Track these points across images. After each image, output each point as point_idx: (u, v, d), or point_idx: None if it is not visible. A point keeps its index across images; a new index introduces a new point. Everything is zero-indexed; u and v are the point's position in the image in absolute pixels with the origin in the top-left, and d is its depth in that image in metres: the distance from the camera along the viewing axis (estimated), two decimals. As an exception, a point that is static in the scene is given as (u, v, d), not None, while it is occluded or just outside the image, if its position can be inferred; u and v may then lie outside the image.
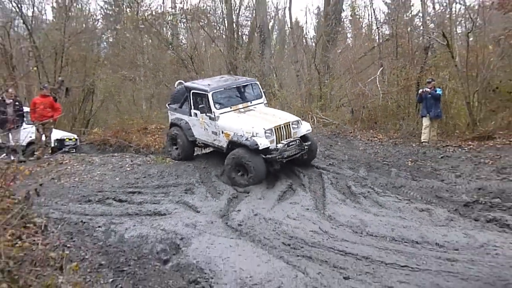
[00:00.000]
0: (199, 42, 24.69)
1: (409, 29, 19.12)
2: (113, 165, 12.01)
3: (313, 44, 21.63)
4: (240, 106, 11.28)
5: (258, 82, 12.07)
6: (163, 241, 6.93)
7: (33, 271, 3.81)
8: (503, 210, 7.73)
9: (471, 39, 14.22)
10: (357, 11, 26.92)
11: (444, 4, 19.13)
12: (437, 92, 12.69)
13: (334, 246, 6.76)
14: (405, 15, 22.98)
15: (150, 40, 25.02)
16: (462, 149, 10.92)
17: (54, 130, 13.68)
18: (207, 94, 10.82)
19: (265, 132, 9.99)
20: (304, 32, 29.21)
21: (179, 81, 13.52)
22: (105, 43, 27.71)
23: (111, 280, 5.28)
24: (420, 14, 21.15)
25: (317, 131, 15.16)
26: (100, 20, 29.09)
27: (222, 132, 10.75)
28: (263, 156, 9.99)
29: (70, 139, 16.18)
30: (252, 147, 9.82)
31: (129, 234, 7.24)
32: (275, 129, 10.17)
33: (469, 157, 10.25)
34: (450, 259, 6.00)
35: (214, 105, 10.81)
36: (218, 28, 24.47)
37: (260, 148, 9.81)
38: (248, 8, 24.36)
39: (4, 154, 12.27)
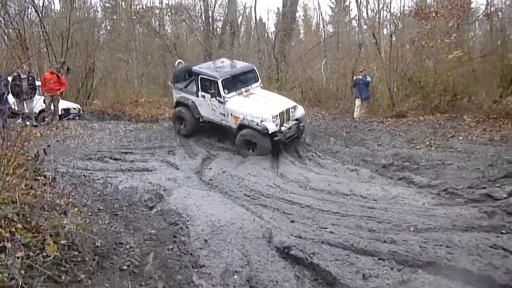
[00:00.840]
0: (181, 32, 24.03)
1: (347, 28, 19.13)
2: (110, 130, 11.67)
3: (273, 37, 21.33)
4: (243, 90, 10.34)
5: (255, 68, 11.09)
6: (149, 191, 6.86)
7: (43, 214, 3.72)
8: (410, 170, 7.95)
9: (393, 39, 14.39)
10: (308, 12, 26.75)
11: (375, 11, 19.22)
12: (367, 79, 12.84)
13: (284, 197, 6.86)
14: (345, 18, 22.97)
15: (141, 29, 24.21)
16: (384, 124, 11.11)
17: (61, 101, 13.11)
18: (217, 81, 9.85)
19: (273, 118, 9.32)
20: (266, 27, 28.91)
21: (178, 60, 12.33)
22: (104, 30, 26.58)
23: (107, 221, 5.22)
24: (356, 18, 21.18)
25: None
26: (100, 11, 27.85)
27: (231, 115, 9.89)
28: (270, 138, 9.38)
29: (75, 109, 15.59)
30: (263, 132, 9.20)
31: (123, 186, 7.12)
32: (279, 114, 9.52)
33: (388, 130, 10.43)
34: (370, 207, 6.19)
35: (223, 90, 9.89)
36: (197, 21, 23.79)
37: (269, 132, 9.23)
38: (221, 6, 23.76)
39: (20, 120, 11.83)
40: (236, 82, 10.37)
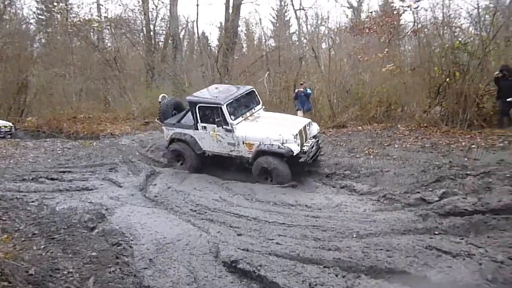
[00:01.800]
0: (122, 46, 23.41)
1: (288, 43, 19.68)
2: (45, 149, 11.04)
3: (216, 51, 21.45)
4: (248, 114, 9.32)
5: (254, 89, 10.06)
6: (90, 211, 6.52)
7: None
8: (351, 179, 8.25)
9: (332, 53, 14.99)
10: (250, 27, 27.22)
11: (314, 26, 19.98)
12: (308, 91, 13.21)
13: (230, 211, 6.84)
14: (286, 32, 23.62)
15: (78, 43, 23.28)
16: (325, 134, 11.44)
17: (-10, 119, 12.26)
18: (221, 107, 8.71)
19: (294, 138, 8.36)
20: (209, 41, 28.99)
21: (162, 94, 10.85)
22: (38, 43, 25.26)
23: (42, 246, 4.89)
24: (297, 32, 21.84)
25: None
26: (33, 23, 26.47)
27: (243, 143, 8.76)
28: (298, 160, 8.43)
29: (6, 126, 14.65)
30: (287, 155, 8.20)
31: (60, 207, 6.72)
32: (299, 133, 8.57)
33: (329, 141, 10.77)
34: (315, 216, 6.34)
35: (230, 116, 8.77)
36: (138, 35, 23.32)
37: (294, 154, 8.26)
38: (163, 20, 23.49)
39: None
40: (240, 106, 9.33)
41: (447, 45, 11.26)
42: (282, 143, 8.30)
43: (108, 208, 6.73)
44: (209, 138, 9.20)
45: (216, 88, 9.99)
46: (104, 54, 21.06)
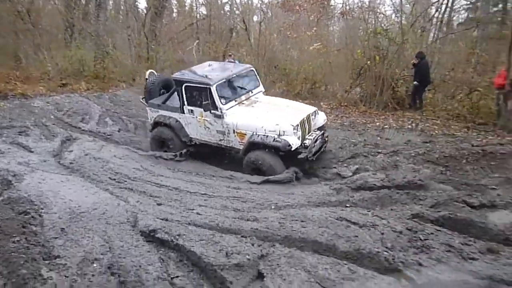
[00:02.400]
0: (37, -3, 21.20)
1: (220, 12, 19.26)
2: None
3: (144, 14, 20.32)
4: (243, 97, 8.02)
5: (254, 68, 8.64)
6: (-6, 177, 5.99)
7: None
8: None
9: (262, 27, 15.02)
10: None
11: (247, -3, 19.73)
12: (237, 63, 13.21)
13: (151, 180, 6.70)
14: (218, 1, 23.03)
15: (-16, -11, 20.63)
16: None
17: None
18: (210, 88, 7.44)
19: (293, 129, 7.10)
20: (136, 2, 27.33)
21: (149, 70, 9.61)
22: None
23: None
24: (229, 2, 21.42)
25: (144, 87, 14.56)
26: None
27: (234, 131, 7.51)
28: (297, 156, 7.23)
29: None
30: (284, 149, 6.95)
31: (-42, 172, 6.09)
32: (300, 124, 7.30)
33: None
34: (236, 187, 6.45)
35: (220, 100, 7.51)
36: (56, -13, 21.22)
37: (293, 149, 7.02)
38: (86, -27, 21.59)
39: None
40: (234, 88, 8.10)
41: (370, 30, 11.83)
42: (279, 135, 7.05)
43: (15, 175, 6.23)
44: (196, 124, 7.97)
45: (209, 66, 8.60)
46: (15, 5, 18.90)
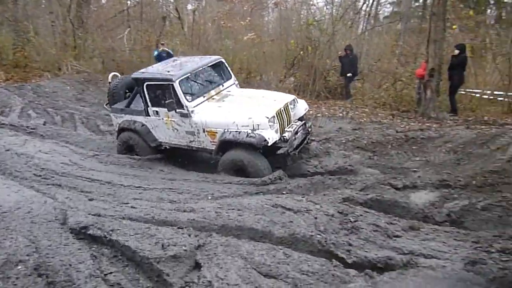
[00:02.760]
0: None
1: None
2: None
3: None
4: (213, 92, 7.28)
5: (223, 60, 7.85)
6: None
7: None
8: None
9: (196, 16, 14.79)
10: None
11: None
12: (170, 53, 12.90)
13: (82, 175, 6.38)
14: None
15: None
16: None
17: None
18: (173, 84, 6.70)
19: (269, 121, 6.37)
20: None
21: (113, 73, 8.79)
22: None
23: None
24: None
25: (70, 77, 13.74)
26: None
27: (204, 130, 6.81)
28: (277, 153, 6.56)
29: None
30: (259, 145, 6.24)
31: None
32: (277, 115, 6.60)
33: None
34: (171, 179, 6.36)
35: (185, 97, 6.79)
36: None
37: (270, 143, 6.32)
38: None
39: None
40: (201, 83, 7.34)
41: (303, 21, 12.15)
42: (253, 130, 6.36)
43: None
44: (163, 126, 7.21)
45: (174, 61, 7.78)
46: None
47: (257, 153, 6.41)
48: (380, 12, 23.67)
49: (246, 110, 6.60)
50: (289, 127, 6.90)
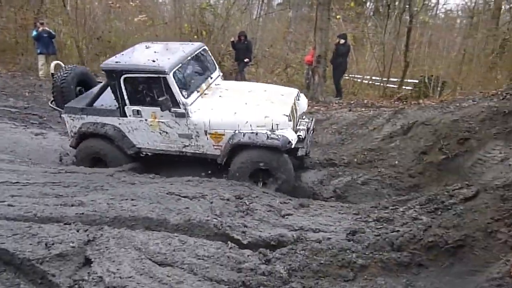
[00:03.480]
0: None
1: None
2: None
3: None
4: (204, 86, 6.25)
5: (206, 47, 6.74)
6: None
7: None
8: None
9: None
10: None
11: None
12: (52, 33, 11.75)
13: None
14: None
15: None
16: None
17: None
18: (165, 77, 5.50)
19: (289, 120, 5.65)
20: None
21: (55, 62, 7.12)
22: None
23: None
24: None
25: None
26: None
27: (207, 133, 5.77)
28: (298, 155, 5.88)
29: None
30: (284, 148, 5.49)
31: None
32: (291, 113, 5.83)
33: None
34: (54, 172, 5.86)
35: (181, 92, 5.66)
36: None
37: (293, 146, 5.62)
38: None
39: None
40: (191, 75, 6.22)
41: (197, 5, 11.97)
42: (271, 130, 5.57)
43: None
44: (146, 129, 5.98)
45: (146, 48, 6.31)
46: None
47: (283, 156, 5.64)
48: (274, -1, 24.49)
49: (258, 108, 5.80)
50: (300, 125, 6.21)
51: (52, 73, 6.73)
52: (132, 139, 6.11)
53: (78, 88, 6.79)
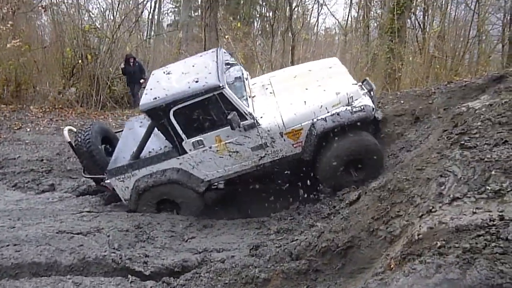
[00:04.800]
0: None
1: None
2: None
3: None
4: (247, 89, 5.59)
5: (222, 48, 6.02)
6: None
7: None
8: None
9: None
10: None
11: None
12: None
13: None
14: None
15: None
16: None
17: None
18: (222, 92, 4.83)
19: (359, 87, 5.31)
20: None
21: (67, 128, 6.00)
22: None
23: None
24: None
25: None
26: None
27: (282, 134, 5.09)
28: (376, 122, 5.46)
29: None
30: (371, 117, 5.05)
31: None
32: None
33: None
34: None
35: (242, 102, 5.07)
36: None
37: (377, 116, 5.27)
38: None
39: None
40: (235, 82, 5.55)
41: (78, 27, 11.32)
42: (349, 104, 5.11)
43: None
44: (213, 157, 5.26)
45: (167, 73, 5.55)
46: None
47: (366, 129, 5.26)
48: (164, 20, 24.36)
49: (324, 88, 5.34)
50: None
51: (68, 141, 5.86)
52: (198, 175, 5.40)
53: (105, 147, 6.10)
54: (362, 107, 5.02)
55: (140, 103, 5.17)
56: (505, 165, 2.75)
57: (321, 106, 5.08)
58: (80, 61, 10.71)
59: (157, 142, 5.43)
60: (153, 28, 21.25)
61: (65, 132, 5.94)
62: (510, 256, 2.03)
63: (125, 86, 11.54)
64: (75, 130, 6.23)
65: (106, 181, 5.52)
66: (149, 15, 20.12)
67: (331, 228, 3.44)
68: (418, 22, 13.07)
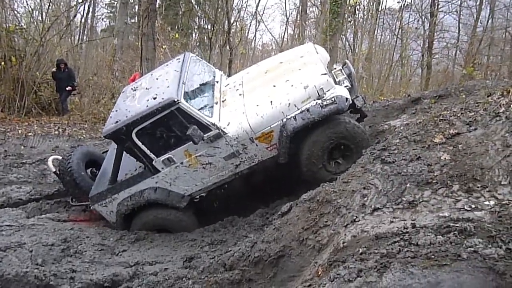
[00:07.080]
0: None
1: None
2: None
3: None
4: (217, 94, 5.33)
5: (191, 53, 5.80)
6: None
7: None
8: None
9: None
10: None
11: None
12: None
13: None
14: None
15: None
16: None
17: None
18: (179, 106, 4.64)
19: (327, 77, 4.83)
20: None
21: (52, 157, 6.05)
22: None
23: None
24: None
25: None
26: None
27: (253, 140, 4.82)
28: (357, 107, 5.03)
29: None
30: (345, 107, 4.70)
31: None
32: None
33: None
34: None
35: (202, 113, 4.80)
36: None
37: (351, 102, 4.81)
38: None
39: None
40: (199, 90, 5.27)
41: (2, 26, 10.61)
42: (319, 97, 4.73)
43: None
44: (188, 172, 5.03)
45: (134, 90, 5.36)
46: None
47: (349, 116, 5.08)
48: (97, 24, 23.46)
49: (291, 82, 4.97)
50: (336, 76, 5.26)
51: (53, 171, 5.83)
52: (178, 190, 5.19)
53: (91, 170, 6.04)
54: (333, 98, 4.68)
55: (104, 128, 5.15)
56: (418, 179, 3.09)
57: (289, 104, 4.79)
58: (3, 63, 9.99)
59: (132, 164, 5.30)
60: (85, 33, 20.40)
61: (49, 163, 5.96)
62: (420, 259, 2.29)
63: (54, 92, 10.96)
64: (60, 158, 6.01)
65: (91, 207, 5.45)
66: (81, 19, 19.33)
67: (263, 239, 3.57)
68: (349, 44, 13.97)
